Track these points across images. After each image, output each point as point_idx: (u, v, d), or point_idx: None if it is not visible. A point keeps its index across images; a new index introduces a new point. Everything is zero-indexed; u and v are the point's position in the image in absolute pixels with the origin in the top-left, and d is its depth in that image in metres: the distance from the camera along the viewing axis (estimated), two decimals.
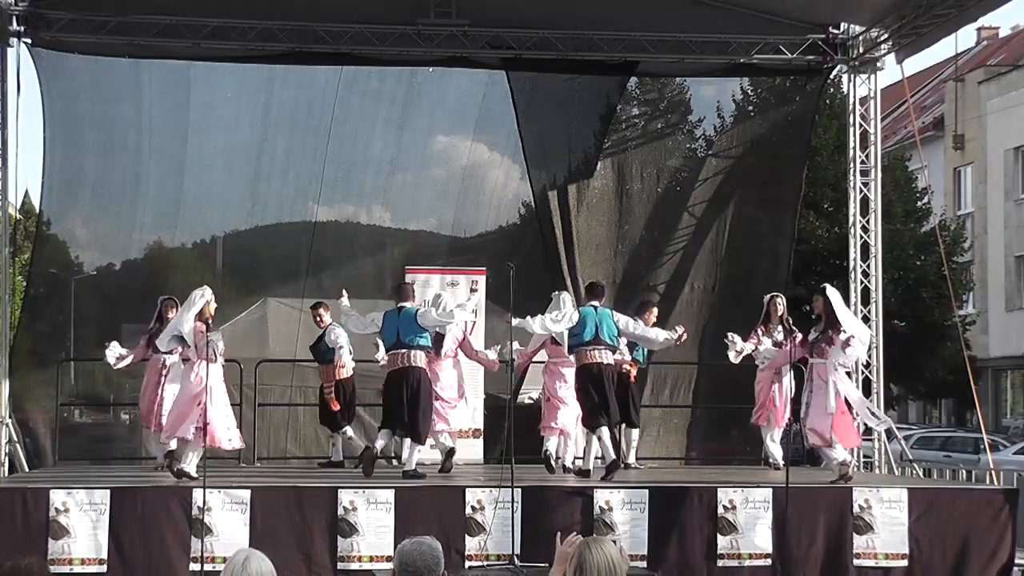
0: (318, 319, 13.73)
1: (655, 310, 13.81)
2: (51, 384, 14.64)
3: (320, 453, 15.49)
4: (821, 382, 11.96)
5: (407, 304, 12.21)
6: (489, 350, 13.10)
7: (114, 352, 12.71)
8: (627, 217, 16.55)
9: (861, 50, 15.46)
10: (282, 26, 14.74)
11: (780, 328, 13.45)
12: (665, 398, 16.21)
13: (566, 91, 16.39)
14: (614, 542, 5.23)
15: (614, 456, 11.91)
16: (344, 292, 12.80)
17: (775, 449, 13.47)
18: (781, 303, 13.54)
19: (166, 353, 12.34)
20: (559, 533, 5.44)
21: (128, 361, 12.85)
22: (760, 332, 13.40)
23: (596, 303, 12.26)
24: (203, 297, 11.75)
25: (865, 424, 13.22)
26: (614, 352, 12.22)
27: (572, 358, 12.22)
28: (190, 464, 11.39)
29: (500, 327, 12.59)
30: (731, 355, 13.23)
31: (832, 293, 12.15)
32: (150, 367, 12.85)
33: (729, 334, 13.31)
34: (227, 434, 11.68)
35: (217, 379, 11.67)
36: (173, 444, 11.63)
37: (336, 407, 13.66)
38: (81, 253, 16.41)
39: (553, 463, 12.50)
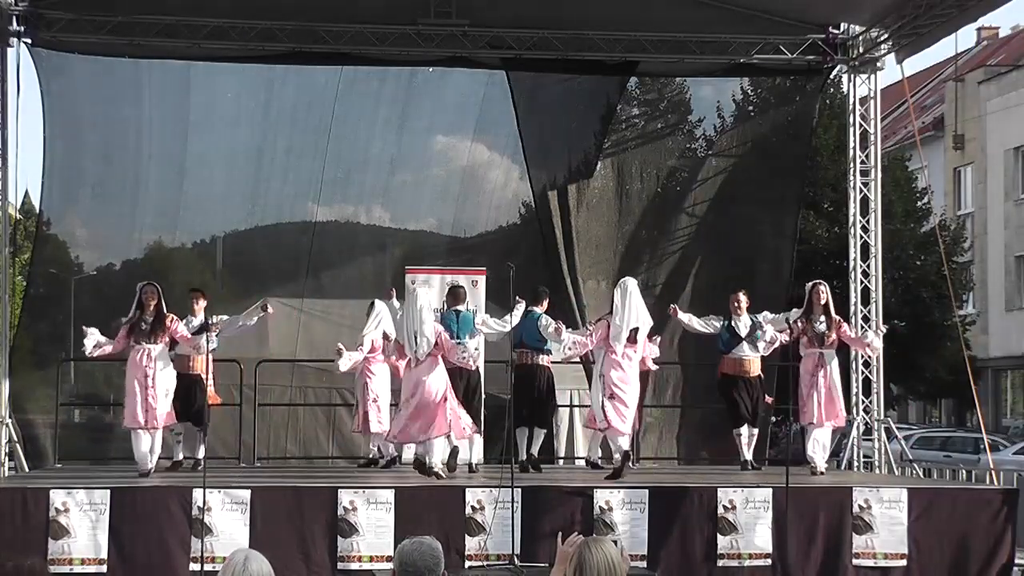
0: (194, 302, 13.01)
1: (741, 295, 13.33)
2: (51, 384, 14.62)
3: (319, 453, 15.51)
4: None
5: (460, 307, 12.74)
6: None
7: (92, 339, 12.02)
8: (627, 217, 16.55)
9: (861, 50, 15.46)
10: (282, 26, 14.74)
11: (823, 318, 13.01)
12: (667, 398, 16.22)
13: (566, 91, 16.38)
14: (614, 542, 5.22)
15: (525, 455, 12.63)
16: (393, 290, 13.23)
17: (818, 453, 12.93)
18: (824, 291, 13.08)
19: (149, 343, 11.97)
20: (560, 533, 5.44)
21: (107, 350, 12.12)
22: (801, 323, 12.97)
23: (534, 307, 12.89)
24: (427, 295, 12.12)
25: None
26: (542, 353, 12.97)
27: None
28: (437, 459, 11.67)
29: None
30: (760, 346, 13.10)
31: (619, 286, 12.27)
32: (132, 361, 12.07)
33: (760, 319, 13.15)
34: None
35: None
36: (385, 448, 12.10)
37: (219, 400, 13.23)
38: (81, 253, 16.40)
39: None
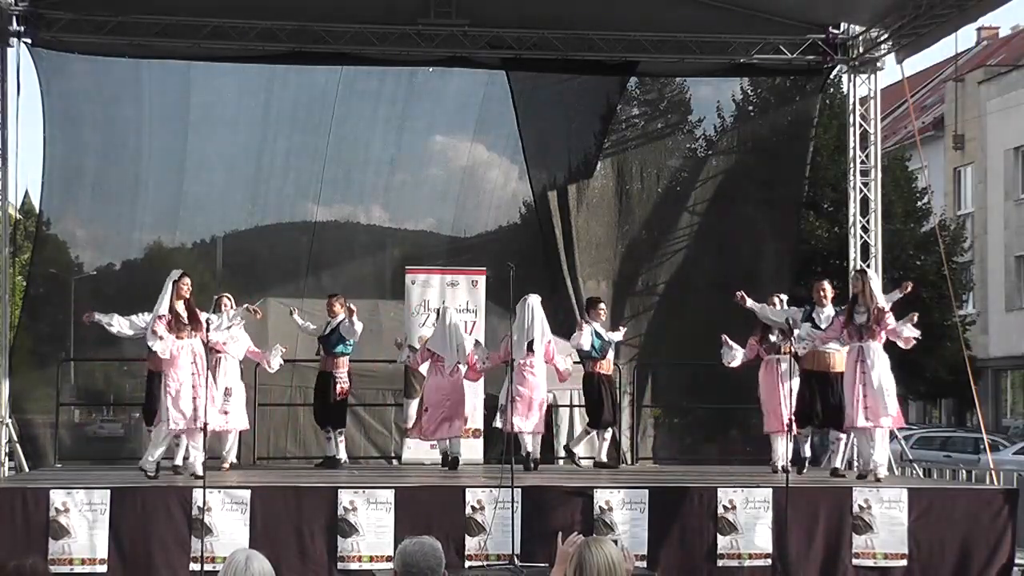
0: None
1: (826, 284, 12.67)
2: (51, 384, 14.62)
3: (320, 453, 15.50)
4: None
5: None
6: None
7: (162, 345, 11.33)
8: (627, 217, 16.56)
9: (861, 50, 15.46)
10: (282, 26, 14.75)
11: (863, 308, 11.92)
12: (666, 398, 16.24)
13: (566, 91, 16.39)
14: (615, 542, 5.22)
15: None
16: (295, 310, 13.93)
17: (879, 455, 12.00)
18: (861, 279, 12.10)
19: (192, 338, 11.53)
20: (560, 533, 5.44)
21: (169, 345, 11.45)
22: (845, 315, 12.01)
23: None
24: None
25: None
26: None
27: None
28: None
29: (500, 328, 12.73)
30: (798, 348, 12.11)
31: (521, 302, 12.74)
32: (178, 357, 11.48)
33: (794, 321, 12.32)
34: None
35: None
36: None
37: None
38: (81, 253, 16.40)
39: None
